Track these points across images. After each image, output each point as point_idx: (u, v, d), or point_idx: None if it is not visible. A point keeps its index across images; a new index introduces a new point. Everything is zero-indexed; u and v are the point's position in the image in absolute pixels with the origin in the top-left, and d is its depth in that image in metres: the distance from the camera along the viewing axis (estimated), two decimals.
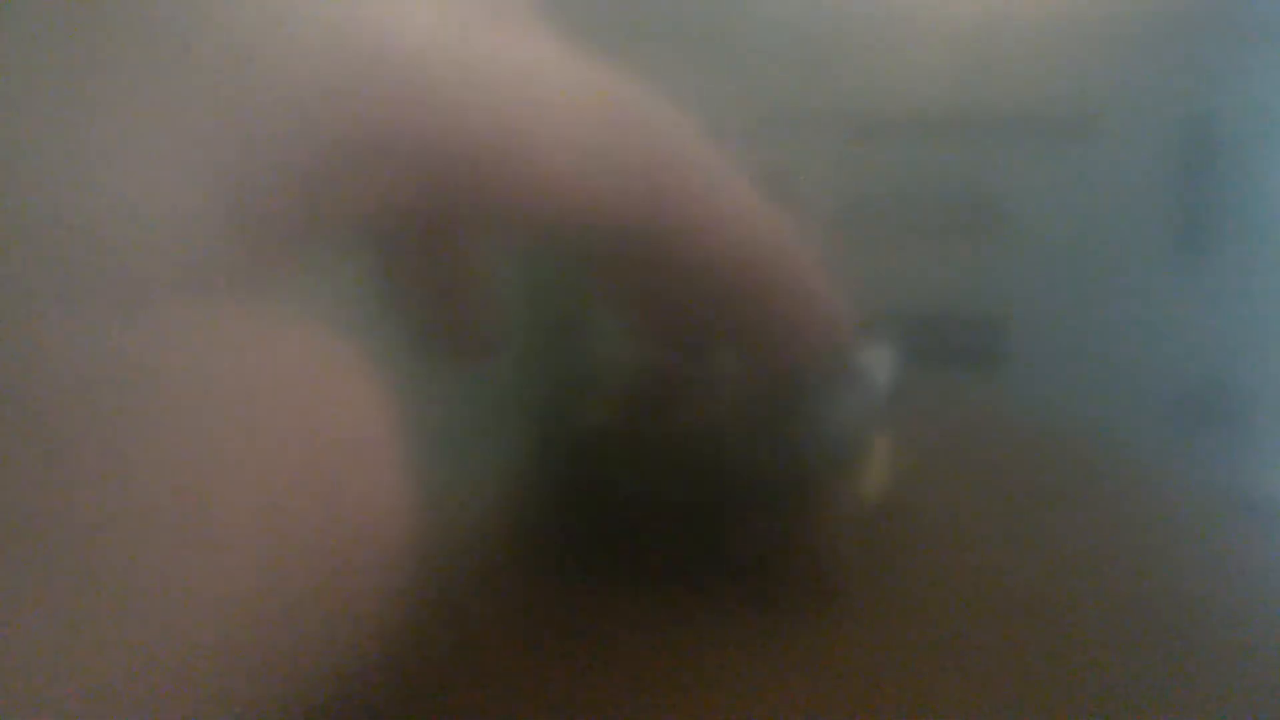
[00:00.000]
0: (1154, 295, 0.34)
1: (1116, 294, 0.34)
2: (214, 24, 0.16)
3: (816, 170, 0.34)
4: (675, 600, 0.33)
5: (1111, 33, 0.34)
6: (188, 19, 0.16)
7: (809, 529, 0.31)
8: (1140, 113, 0.34)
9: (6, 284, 0.14)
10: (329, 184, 0.17)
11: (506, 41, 0.20)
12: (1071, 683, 0.31)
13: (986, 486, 0.33)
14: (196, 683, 0.15)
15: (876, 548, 0.33)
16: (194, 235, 0.15)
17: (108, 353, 0.14)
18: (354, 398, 0.18)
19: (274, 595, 0.16)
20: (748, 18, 0.33)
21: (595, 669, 0.31)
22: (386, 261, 0.29)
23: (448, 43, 0.19)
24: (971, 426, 0.32)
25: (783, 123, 0.34)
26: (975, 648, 0.32)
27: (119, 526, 0.14)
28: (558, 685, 0.31)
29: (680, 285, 0.26)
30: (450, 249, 0.29)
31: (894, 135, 0.34)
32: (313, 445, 0.16)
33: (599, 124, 0.22)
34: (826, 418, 0.31)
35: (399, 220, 0.20)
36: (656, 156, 0.24)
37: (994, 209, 0.34)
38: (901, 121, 0.34)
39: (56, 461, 0.14)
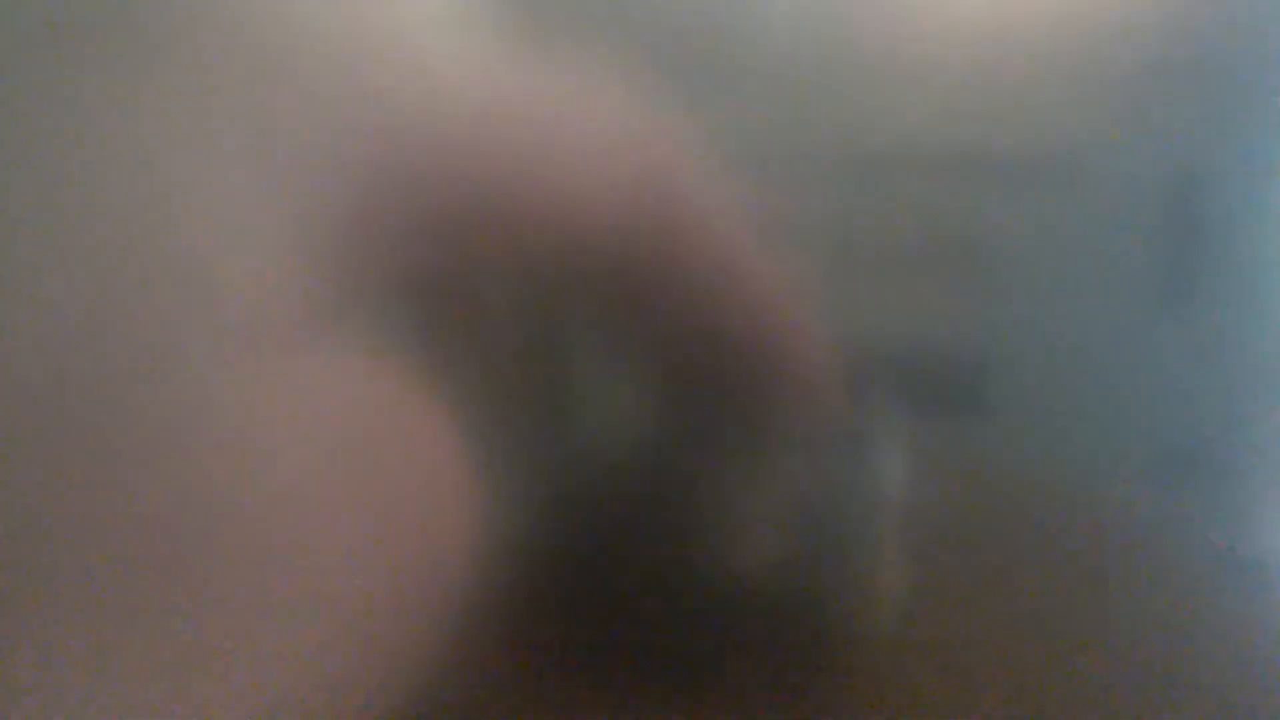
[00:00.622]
0: (1138, 346, 0.33)
1: (1099, 343, 0.33)
2: (292, 69, 0.17)
3: (799, 210, 0.33)
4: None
5: (1102, 80, 0.33)
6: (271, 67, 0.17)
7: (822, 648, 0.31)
8: (1128, 161, 0.33)
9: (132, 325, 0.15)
10: (384, 224, 0.19)
11: (530, 75, 0.22)
12: None
13: (977, 555, 0.32)
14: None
15: (898, 614, 0.32)
16: (278, 283, 0.16)
17: (216, 396, 0.15)
18: (429, 436, 0.20)
19: (361, 626, 0.18)
20: (733, 57, 0.33)
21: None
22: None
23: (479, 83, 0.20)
24: (959, 487, 0.32)
25: (762, 162, 0.33)
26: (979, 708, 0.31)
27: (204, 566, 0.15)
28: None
29: (682, 308, 0.27)
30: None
31: (878, 176, 0.34)
32: (397, 488, 0.18)
33: (614, 150, 0.23)
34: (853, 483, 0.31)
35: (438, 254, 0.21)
36: (666, 185, 0.25)
37: (977, 253, 0.34)
38: (886, 162, 0.34)
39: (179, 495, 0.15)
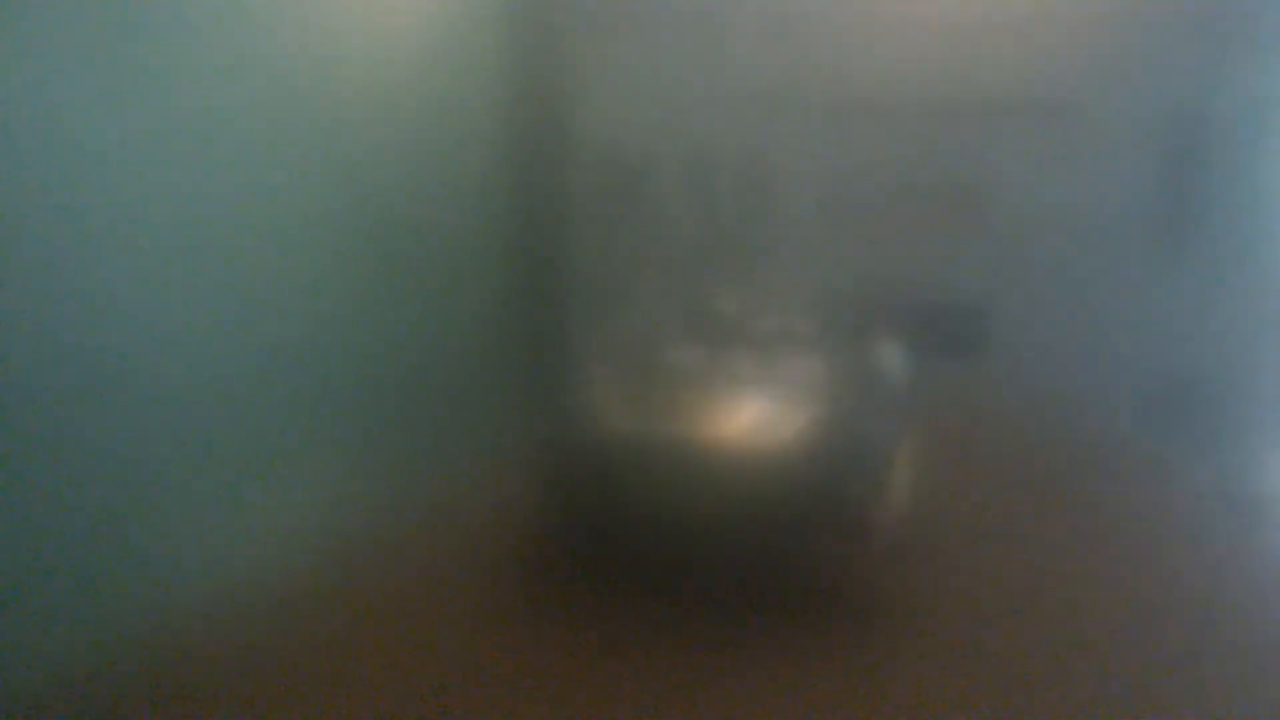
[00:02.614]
0: (1134, 286, 0.34)
1: (1097, 285, 0.34)
2: None
3: (798, 156, 0.33)
4: (700, 626, 0.33)
5: (1097, 25, 0.33)
6: None
7: (851, 546, 0.32)
8: (1125, 105, 0.34)
9: None
10: None
11: None
12: (1073, 678, 0.31)
13: (984, 487, 0.33)
14: None
15: (898, 558, 0.33)
16: None
17: None
18: None
19: None
20: (732, 5, 0.33)
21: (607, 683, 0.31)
22: None
23: None
24: (965, 423, 0.32)
25: (765, 109, 0.33)
26: (981, 647, 0.32)
27: None
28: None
29: None
30: None
31: (878, 122, 0.34)
32: None
33: None
34: (860, 426, 0.31)
35: None
36: None
37: (977, 197, 0.34)
38: (885, 109, 0.34)
39: None
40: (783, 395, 0.32)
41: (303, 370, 0.34)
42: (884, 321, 0.33)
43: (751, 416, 0.32)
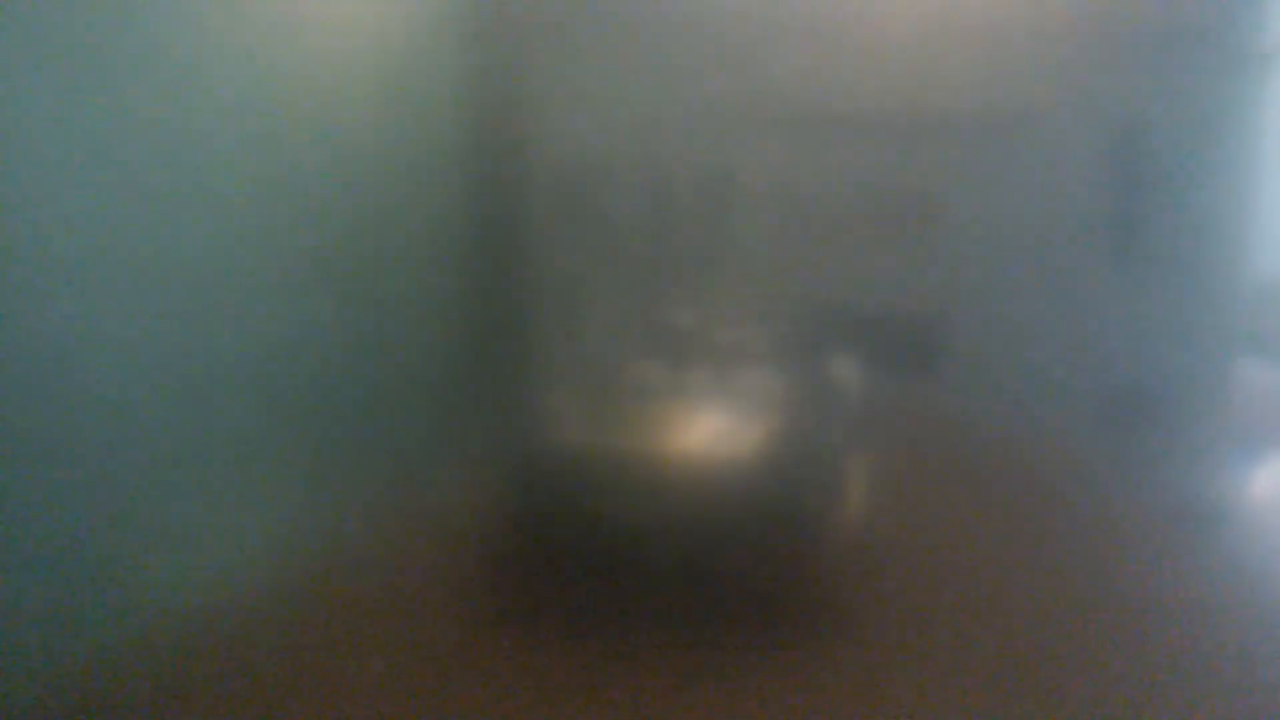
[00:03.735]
0: (1086, 299, 0.34)
1: (1053, 295, 0.34)
2: None
3: (755, 169, 0.34)
4: (658, 643, 0.33)
5: (1052, 38, 0.34)
6: None
7: (807, 559, 0.32)
8: (1078, 118, 0.34)
9: None
10: None
11: None
12: (1032, 680, 0.32)
13: (941, 497, 0.33)
14: None
15: (857, 568, 0.33)
16: None
17: None
18: None
19: None
20: (690, 16, 0.33)
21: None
22: None
23: None
24: (923, 434, 0.32)
25: (723, 121, 0.33)
26: (940, 654, 0.32)
27: None
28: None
29: None
30: None
31: (835, 134, 0.34)
32: None
33: None
34: (817, 437, 0.31)
35: None
36: None
37: (933, 208, 0.34)
38: (842, 120, 0.34)
39: None
40: (741, 408, 0.32)
41: (252, 383, 0.34)
42: (842, 333, 0.34)
43: (709, 429, 0.32)
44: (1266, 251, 0.34)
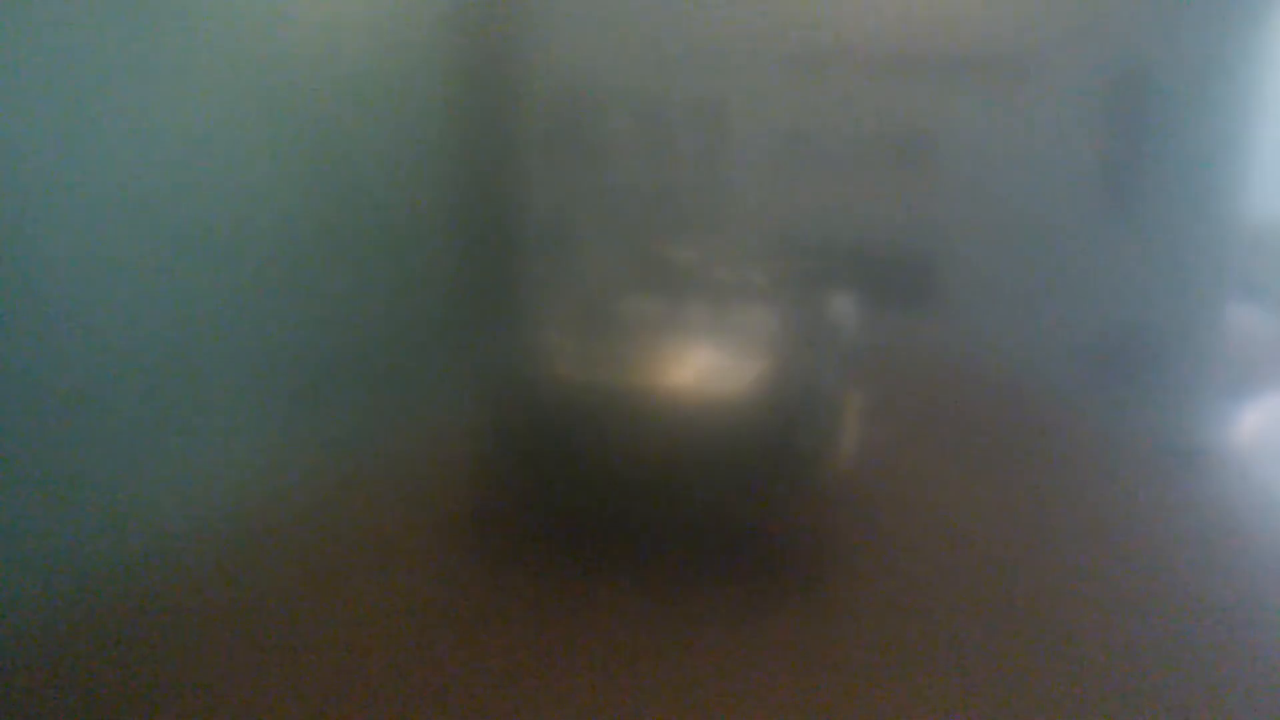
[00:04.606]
0: (1082, 239, 0.34)
1: (1047, 238, 0.34)
2: None
3: (753, 107, 0.33)
4: (652, 580, 0.33)
5: None
6: None
7: (801, 494, 0.32)
8: (1074, 61, 0.34)
9: None
10: None
11: None
12: (1025, 626, 0.32)
13: (936, 436, 0.33)
14: None
15: (852, 509, 0.33)
16: None
17: None
18: None
19: None
20: None
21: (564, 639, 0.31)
22: None
23: None
24: (917, 373, 0.33)
25: (720, 58, 0.33)
26: (933, 595, 0.32)
27: None
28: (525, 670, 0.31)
29: None
30: None
31: (831, 73, 0.34)
32: None
33: None
34: (810, 377, 0.31)
35: None
36: None
37: (928, 149, 0.34)
38: (839, 59, 0.34)
39: None
40: (734, 344, 0.32)
41: (245, 318, 0.34)
42: (837, 272, 0.34)
43: (703, 365, 0.32)
44: (1261, 194, 0.34)
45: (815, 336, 0.33)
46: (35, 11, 0.32)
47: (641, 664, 0.31)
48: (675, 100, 0.33)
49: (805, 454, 0.32)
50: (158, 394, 0.34)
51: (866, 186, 0.34)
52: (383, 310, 0.34)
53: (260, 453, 0.34)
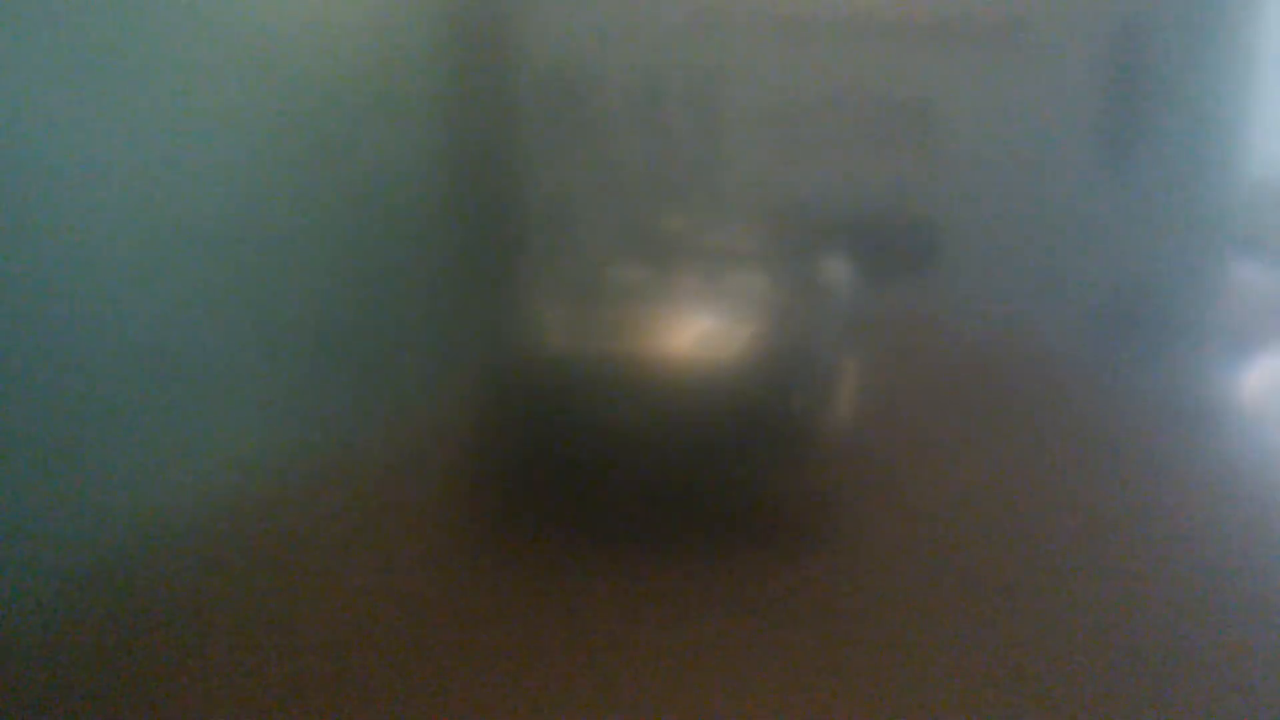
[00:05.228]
0: (1081, 203, 0.34)
1: (1044, 201, 0.34)
2: None
3: (745, 72, 0.33)
4: (649, 548, 0.33)
5: None
6: None
7: (798, 463, 0.32)
8: (1070, 21, 0.34)
9: None
10: None
11: None
12: (1026, 588, 0.32)
13: (933, 400, 0.33)
14: None
15: (854, 473, 0.33)
16: None
17: None
18: None
19: None
20: None
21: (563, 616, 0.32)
22: None
23: None
24: (914, 337, 0.32)
25: (710, 23, 0.33)
26: (933, 558, 0.32)
27: None
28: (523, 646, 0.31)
29: None
30: None
31: (823, 38, 0.34)
32: None
33: None
34: (807, 342, 0.31)
35: None
36: None
37: (923, 114, 0.34)
38: (831, 24, 0.34)
39: None
40: (729, 310, 0.32)
41: (236, 294, 0.34)
42: (831, 236, 0.33)
43: (698, 332, 0.32)
44: (1262, 154, 0.34)
45: (810, 303, 0.32)
46: (25, 9, 0.32)
47: (637, 638, 0.31)
48: (666, 70, 0.33)
49: (801, 421, 0.32)
50: (152, 387, 0.34)
51: (861, 150, 0.34)
52: (374, 289, 0.34)
53: (257, 441, 0.35)
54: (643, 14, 0.31)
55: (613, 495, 0.32)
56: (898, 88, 0.34)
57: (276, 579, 0.34)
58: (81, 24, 0.33)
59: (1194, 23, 0.34)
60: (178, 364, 0.34)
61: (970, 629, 0.32)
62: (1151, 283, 0.34)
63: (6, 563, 0.35)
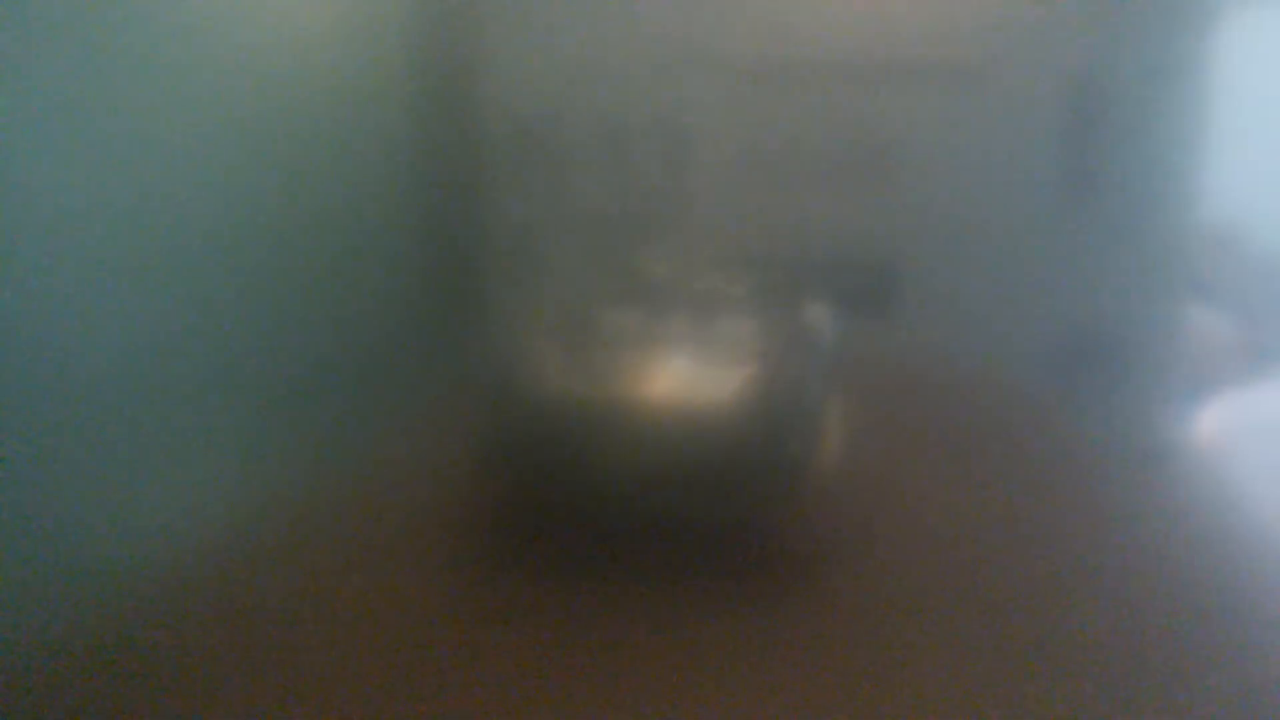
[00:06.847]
0: (1040, 243, 0.35)
1: (1004, 241, 0.35)
2: None
3: (709, 116, 0.34)
4: (646, 580, 0.33)
5: None
6: None
7: (783, 500, 0.32)
8: (1030, 64, 0.34)
9: None
10: None
11: None
12: (1003, 619, 0.32)
13: (908, 438, 0.33)
14: None
15: (836, 513, 0.34)
16: None
17: None
18: None
19: None
20: None
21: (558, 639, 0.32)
22: None
23: None
24: (885, 377, 0.33)
25: (679, 70, 0.33)
26: (916, 592, 0.33)
27: None
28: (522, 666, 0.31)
29: None
30: None
31: (787, 81, 0.34)
32: None
33: None
34: (794, 385, 0.32)
35: None
36: None
37: (886, 156, 0.35)
38: (795, 68, 0.34)
39: None
40: (704, 355, 0.32)
41: (223, 333, 0.34)
42: (801, 281, 0.34)
43: (674, 378, 0.32)
44: (1218, 199, 0.35)
45: (790, 344, 0.33)
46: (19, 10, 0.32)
47: (623, 674, 0.32)
48: (633, 117, 0.34)
49: (786, 458, 0.32)
50: (149, 394, 0.35)
51: (833, 196, 0.34)
52: (351, 329, 0.34)
53: (246, 467, 0.35)
54: (608, 62, 0.32)
55: (598, 538, 0.33)
56: (867, 131, 0.35)
57: (276, 597, 0.34)
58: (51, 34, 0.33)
59: (1150, 70, 0.34)
60: (181, 387, 0.34)
61: (953, 657, 0.32)
62: (1115, 324, 0.35)
63: (10, 564, 0.35)
